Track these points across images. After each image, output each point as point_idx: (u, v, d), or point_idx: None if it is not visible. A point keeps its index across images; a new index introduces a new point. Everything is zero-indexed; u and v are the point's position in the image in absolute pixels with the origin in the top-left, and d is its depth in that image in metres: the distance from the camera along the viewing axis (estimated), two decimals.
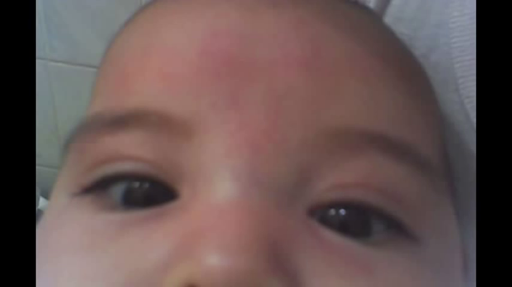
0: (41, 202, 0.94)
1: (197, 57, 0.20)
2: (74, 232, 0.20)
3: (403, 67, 0.24)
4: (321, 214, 0.19)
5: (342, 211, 0.19)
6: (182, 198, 0.20)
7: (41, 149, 0.82)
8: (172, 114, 0.20)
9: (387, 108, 0.21)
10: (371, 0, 0.29)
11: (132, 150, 0.20)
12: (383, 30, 0.26)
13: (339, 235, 0.19)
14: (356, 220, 0.19)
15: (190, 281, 0.17)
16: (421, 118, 0.23)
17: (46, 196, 0.93)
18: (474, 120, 0.26)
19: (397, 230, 0.20)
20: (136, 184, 0.20)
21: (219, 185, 0.19)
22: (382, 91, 0.21)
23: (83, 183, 0.21)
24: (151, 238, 0.18)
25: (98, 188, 0.20)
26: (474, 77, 0.25)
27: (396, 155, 0.20)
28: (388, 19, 0.28)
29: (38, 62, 0.91)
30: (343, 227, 0.19)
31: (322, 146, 0.20)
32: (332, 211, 0.19)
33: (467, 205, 0.25)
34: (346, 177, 0.20)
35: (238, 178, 0.19)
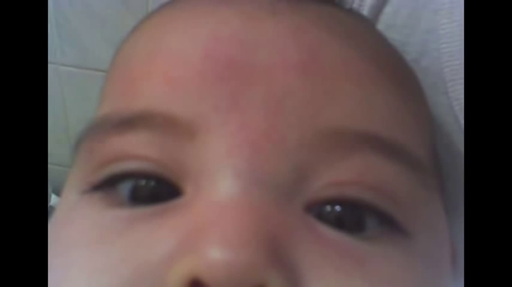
0: (52, 199, 0.94)
1: (200, 62, 0.20)
2: (84, 227, 0.20)
3: (396, 71, 0.24)
4: (317, 210, 0.19)
5: (338, 208, 0.19)
6: (186, 195, 0.20)
7: (53, 148, 0.82)
8: (177, 116, 0.20)
9: (380, 110, 0.21)
10: (365, 8, 0.28)
11: (138, 150, 0.20)
12: (376, 36, 0.26)
13: (334, 230, 0.19)
14: (351, 216, 0.19)
15: (193, 273, 0.17)
16: (412, 119, 0.23)
17: (57, 193, 0.93)
18: (462, 121, 0.26)
19: (390, 225, 0.20)
20: (143, 182, 0.20)
21: (220, 183, 0.19)
22: (375, 94, 0.21)
23: (92, 181, 0.21)
24: (157, 233, 0.18)
25: (106, 185, 0.21)
26: (462, 81, 0.25)
27: (388, 155, 0.20)
28: (381, 26, 0.28)
29: (49, 66, 0.91)
30: (339, 223, 0.19)
31: (318, 145, 0.20)
32: (328, 207, 0.19)
33: (455, 202, 0.25)
34: (342, 175, 0.20)
35: (239, 176, 0.19)
